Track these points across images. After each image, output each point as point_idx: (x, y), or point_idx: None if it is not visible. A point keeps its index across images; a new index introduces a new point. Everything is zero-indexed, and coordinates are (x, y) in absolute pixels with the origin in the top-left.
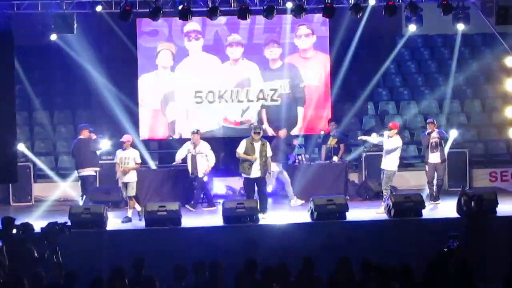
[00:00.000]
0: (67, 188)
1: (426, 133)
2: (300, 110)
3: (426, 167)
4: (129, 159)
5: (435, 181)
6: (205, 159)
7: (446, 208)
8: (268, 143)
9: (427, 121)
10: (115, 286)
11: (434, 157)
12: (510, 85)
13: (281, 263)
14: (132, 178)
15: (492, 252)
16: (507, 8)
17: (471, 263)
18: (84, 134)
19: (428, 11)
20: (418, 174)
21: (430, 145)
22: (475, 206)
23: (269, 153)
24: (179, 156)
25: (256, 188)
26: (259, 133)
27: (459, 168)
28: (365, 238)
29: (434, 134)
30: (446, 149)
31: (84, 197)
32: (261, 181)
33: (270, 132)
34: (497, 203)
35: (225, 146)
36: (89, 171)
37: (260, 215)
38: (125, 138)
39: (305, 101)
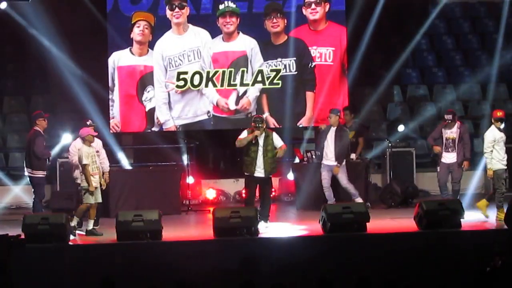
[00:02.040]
0: (20, 193)
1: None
2: (309, 96)
3: (438, 167)
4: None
5: (450, 185)
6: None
7: (491, 218)
8: (274, 133)
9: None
10: None
11: (449, 156)
12: None
13: (278, 284)
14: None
15: None
16: None
17: None
18: (40, 125)
19: None
20: None
21: (445, 142)
22: None
23: (279, 142)
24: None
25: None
26: (261, 127)
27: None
28: (390, 255)
29: (453, 129)
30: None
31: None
32: (265, 183)
33: (272, 123)
34: None
35: (216, 140)
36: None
37: (260, 225)
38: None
39: (316, 85)
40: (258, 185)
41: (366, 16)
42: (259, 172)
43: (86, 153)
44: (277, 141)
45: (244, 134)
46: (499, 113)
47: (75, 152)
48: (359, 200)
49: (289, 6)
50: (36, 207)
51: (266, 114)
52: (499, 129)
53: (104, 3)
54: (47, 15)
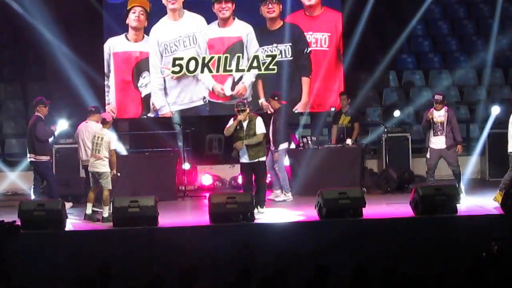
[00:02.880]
0: (16, 179)
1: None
2: (305, 81)
3: (428, 154)
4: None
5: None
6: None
7: (487, 203)
8: (258, 118)
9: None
10: None
11: (438, 141)
12: None
13: (278, 271)
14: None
15: None
16: None
17: None
18: (41, 112)
19: None
20: None
21: (433, 125)
22: None
23: (259, 130)
24: None
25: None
26: (243, 110)
27: (501, 152)
28: (386, 240)
29: (441, 112)
30: (486, 129)
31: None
32: (257, 168)
33: (268, 108)
34: None
35: (211, 126)
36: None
37: (256, 211)
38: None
39: (311, 70)
40: (251, 169)
41: (362, 2)
42: (244, 158)
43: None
44: (258, 127)
45: (230, 122)
46: None
47: (101, 134)
48: (277, 192)
49: None
50: (54, 191)
51: (262, 100)
52: None
53: None
54: (43, 2)
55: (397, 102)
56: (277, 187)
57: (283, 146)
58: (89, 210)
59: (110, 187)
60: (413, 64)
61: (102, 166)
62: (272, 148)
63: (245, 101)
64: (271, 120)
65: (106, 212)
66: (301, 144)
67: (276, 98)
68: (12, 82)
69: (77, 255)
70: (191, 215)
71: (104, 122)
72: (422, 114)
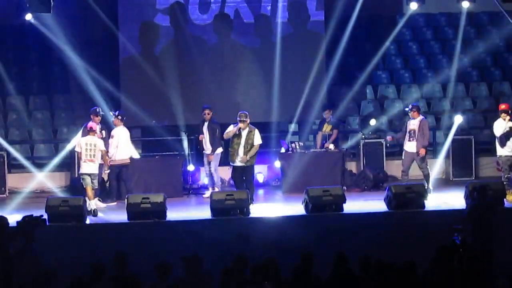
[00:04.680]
0: (44, 179)
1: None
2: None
3: (403, 154)
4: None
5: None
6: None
7: (451, 200)
8: (256, 130)
9: (410, 107)
10: (96, 284)
11: (411, 146)
12: None
13: (270, 258)
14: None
15: (499, 247)
16: None
17: (479, 259)
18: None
19: None
20: None
21: (408, 132)
22: (478, 197)
23: (257, 141)
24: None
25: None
26: (244, 121)
27: (464, 156)
28: (364, 232)
29: (415, 121)
30: (450, 136)
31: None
32: (247, 171)
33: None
34: (505, 194)
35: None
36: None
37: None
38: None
39: None
40: (242, 172)
41: (343, 25)
42: (239, 162)
43: None
44: (256, 138)
45: (230, 128)
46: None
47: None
48: (216, 189)
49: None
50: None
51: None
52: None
53: (115, 14)
54: (67, 25)
55: (373, 112)
56: (210, 186)
57: (219, 150)
58: (93, 206)
59: (96, 186)
60: (387, 79)
61: (96, 169)
62: (208, 152)
63: (247, 112)
64: (208, 128)
65: (93, 205)
66: (290, 149)
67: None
68: (40, 94)
69: (96, 244)
70: (195, 210)
71: (91, 131)
72: (395, 123)
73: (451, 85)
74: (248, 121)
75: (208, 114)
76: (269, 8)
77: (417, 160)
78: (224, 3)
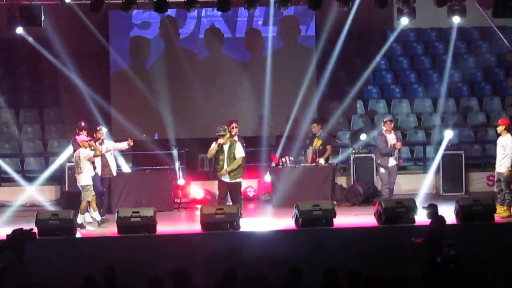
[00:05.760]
0: (34, 192)
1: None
2: None
3: (382, 169)
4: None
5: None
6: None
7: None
8: (238, 143)
9: (385, 120)
10: None
11: (392, 161)
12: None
13: (260, 273)
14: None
15: (489, 261)
16: None
17: (468, 274)
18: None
19: (421, 3)
20: (410, 178)
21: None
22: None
23: (238, 154)
24: None
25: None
26: (223, 135)
27: (454, 171)
28: (354, 246)
29: (393, 136)
30: (440, 151)
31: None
32: (233, 188)
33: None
34: (495, 209)
35: (203, 147)
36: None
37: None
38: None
39: None
40: (228, 188)
41: (333, 40)
42: (225, 177)
43: None
44: (237, 152)
45: (212, 145)
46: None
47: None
48: None
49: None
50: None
51: None
52: None
53: (106, 27)
54: (58, 39)
55: (364, 127)
56: None
57: None
58: (88, 218)
59: (89, 199)
60: (377, 94)
61: (83, 180)
62: None
63: (225, 126)
64: None
65: (80, 219)
66: (280, 163)
67: None
68: (31, 108)
69: (85, 258)
70: (185, 224)
71: (75, 142)
72: None
73: (442, 100)
74: (228, 134)
75: (236, 127)
76: (260, 22)
77: (392, 174)
78: (215, 18)
